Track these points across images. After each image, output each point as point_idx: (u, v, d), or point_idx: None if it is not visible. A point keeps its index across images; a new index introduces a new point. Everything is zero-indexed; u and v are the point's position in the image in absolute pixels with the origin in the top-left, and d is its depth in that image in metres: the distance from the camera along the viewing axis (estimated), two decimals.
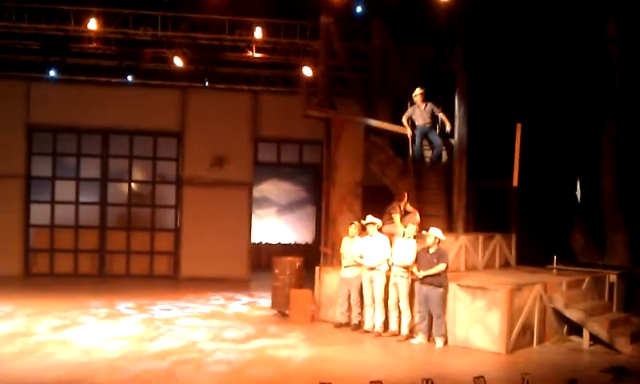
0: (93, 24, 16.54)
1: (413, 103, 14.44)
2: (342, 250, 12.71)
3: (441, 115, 14.47)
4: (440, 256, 11.37)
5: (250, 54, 18.31)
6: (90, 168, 19.42)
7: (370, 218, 12.36)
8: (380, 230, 12.31)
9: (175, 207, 19.65)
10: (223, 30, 17.32)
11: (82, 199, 19.42)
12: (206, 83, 19.45)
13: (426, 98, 14.38)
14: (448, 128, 14.39)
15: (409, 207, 13.23)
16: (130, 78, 19.00)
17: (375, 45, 16.33)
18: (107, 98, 18.97)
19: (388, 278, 11.97)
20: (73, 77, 18.94)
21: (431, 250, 11.43)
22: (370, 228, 12.25)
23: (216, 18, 17.06)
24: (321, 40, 15.37)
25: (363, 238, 12.40)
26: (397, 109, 15.81)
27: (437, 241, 11.43)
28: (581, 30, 15.24)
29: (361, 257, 12.24)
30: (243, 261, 19.48)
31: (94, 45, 17.75)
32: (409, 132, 14.42)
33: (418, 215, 13.15)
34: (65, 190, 19.25)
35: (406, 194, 13.54)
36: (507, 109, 15.54)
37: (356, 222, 12.71)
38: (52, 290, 16.08)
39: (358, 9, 16.82)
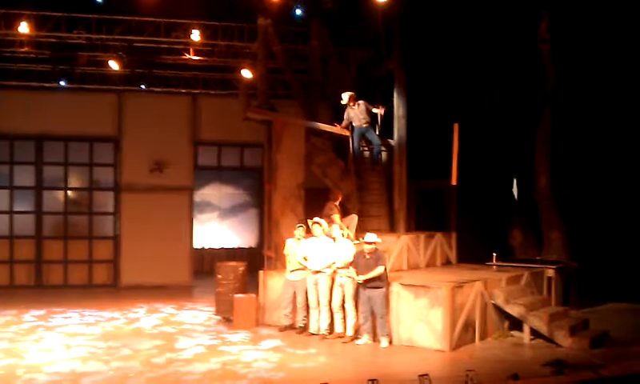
0: (24, 27, 15.99)
1: (346, 107, 14.51)
2: (286, 253, 12.65)
3: (376, 110, 14.56)
4: (378, 259, 11.40)
5: (188, 56, 18.07)
6: (24, 176, 18.92)
7: (316, 219, 12.36)
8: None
9: (113, 214, 19.26)
10: (159, 33, 17.01)
11: (16, 208, 18.92)
12: (143, 87, 19.11)
13: (357, 98, 14.42)
14: (379, 111, 14.45)
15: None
16: (63, 82, 18.50)
17: (314, 46, 16.32)
18: (41, 103, 18.47)
19: (333, 280, 11.98)
20: (4, 82, 18.29)
21: (368, 254, 11.44)
22: (315, 228, 12.22)
23: (152, 20, 16.74)
24: (259, 42, 15.28)
25: (308, 239, 12.37)
26: (337, 110, 15.85)
27: (374, 246, 11.44)
28: (515, 30, 15.57)
29: (305, 259, 12.22)
30: (185, 267, 19.26)
31: (26, 49, 17.22)
32: (347, 131, 14.54)
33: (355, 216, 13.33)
34: None
35: (339, 194, 13.61)
36: (445, 108, 15.76)
37: (302, 225, 12.68)
38: None
39: (297, 11, 16.77)
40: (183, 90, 19.71)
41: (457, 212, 15.50)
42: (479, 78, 16.30)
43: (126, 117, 19.18)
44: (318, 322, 12.10)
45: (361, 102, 14.37)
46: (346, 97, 14.40)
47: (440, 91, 16.02)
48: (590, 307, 13.89)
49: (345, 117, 14.54)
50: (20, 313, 14.15)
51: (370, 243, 11.40)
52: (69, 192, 19.38)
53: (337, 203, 13.43)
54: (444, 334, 11.03)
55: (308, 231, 12.49)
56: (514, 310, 11.84)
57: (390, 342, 11.37)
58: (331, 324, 12.00)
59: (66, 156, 19.11)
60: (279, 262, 13.29)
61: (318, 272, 12.06)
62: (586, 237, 15.08)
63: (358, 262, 11.52)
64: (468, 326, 11.47)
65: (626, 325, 12.74)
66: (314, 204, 13.86)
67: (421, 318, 11.28)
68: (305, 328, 12.27)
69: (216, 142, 20.19)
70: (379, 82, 16.37)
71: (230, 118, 17.24)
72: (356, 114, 14.35)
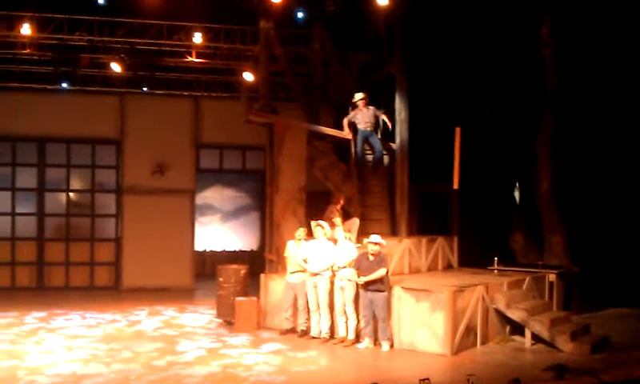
0: (26, 29, 16.02)
1: (355, 107, 14.61)
2: (286, 255, 12.65)
3: (383, 117, 14.71)
4: (380, 261, 11.38)
5: (190, 59, 18.10)
6: (27, 178, 18.96)
7: (319, 221, 12.38)
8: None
9: (115, 216, 19.28)
10: (162, 35, 17.02)
11: (18, 210, 18.95)
12: (145, 89, 19.12)
13: (369, 103, 14.57)
14: (389, 126, 14.75)
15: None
16: (65, 84, 18.53)
17: (315, 49, 16.34)
18: (43, 105, 18.50)
19: (332, 283, 11.97)
20: (6, 84, 18.28)
21: (371, 256, 11.44)
22: (316, 231, 12.22)
23: (154, 22, 16.77)
24: (261, 45, 15.27)
25: (309, 242, 12.38)
26: (339, 113, 15.91)
27: (378, 247, 11.43)
28: (516, 35, 15.59)
29: (305, 261, 12.22)
30: (187, 269, 19.27)
31: (28, 51, 17.24)
32: (348, 134, 14.65)
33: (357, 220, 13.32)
34: (0, 200, 18.73)
35: (341, 197, 13.62)
36: (447, 112, 15.76)
37: (304, 227, 12.68)
38: None
39: (299, 14, 16.79)
40: (185, 93, 19.75)
41: (458, 216, 15.48)
42: (481, 82, 16.31)
43: (128, 119, 19.20)
44: (319, 325, 12.09)
45: (371, 107, 14.55)
46: (358, 96, 14.51)
47: (442, 95, 16.02)
48: (592, 312, 13.86)
49: (349, 115, 14.61)
50: (21, 314, 14.16)
51: (375, 244, 11.39)
52: (71, 194, 19.43)
53: (338, 207, 13.49)
54: (445, 338, 11.03)
55: (310, 234, 12.49)
56: (516, 315, 11.83)
57: (392, 346, 11.36)
58: (332, 327, 12.00)
59: (68, 158, 19.15)
60: (280, 265, 13.29)
61: (316, 274, 12.06)
62: (587, 241, 15.06)
63: (361, 265, 11.51)
64: (469, 330, 11.46)
65: (627, 330, 12.73)
66: (315, 207, 13.88)
67: (422, 322, 11.27)
68: (306, 331, 12.26)
69: (218, 145, 20.19)
70: (380, 86, 16.38)
71: (232, 120, 17.24)
72: (363, 116, 14.47)
